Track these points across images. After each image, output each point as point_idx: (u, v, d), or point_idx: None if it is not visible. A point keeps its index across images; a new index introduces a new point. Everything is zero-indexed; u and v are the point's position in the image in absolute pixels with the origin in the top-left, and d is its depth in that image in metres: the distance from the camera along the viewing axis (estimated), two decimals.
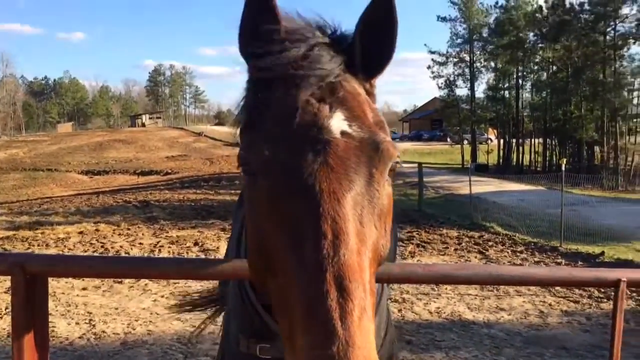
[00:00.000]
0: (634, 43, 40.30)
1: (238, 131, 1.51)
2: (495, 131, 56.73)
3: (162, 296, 9.10)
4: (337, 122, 1.38)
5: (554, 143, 48.85)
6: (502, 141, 52.40)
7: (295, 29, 1.51)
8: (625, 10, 39.96)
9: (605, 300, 9.18)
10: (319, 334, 1.09)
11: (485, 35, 51.65)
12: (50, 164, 48.25)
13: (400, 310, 8.31)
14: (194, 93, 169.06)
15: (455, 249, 13.33)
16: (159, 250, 12.77)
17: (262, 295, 1.85)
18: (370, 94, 1.53)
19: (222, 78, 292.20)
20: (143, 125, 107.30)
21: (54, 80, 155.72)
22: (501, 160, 50.92)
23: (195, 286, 9.42)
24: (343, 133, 1.36)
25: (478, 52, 53.03)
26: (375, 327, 1.97)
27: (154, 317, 8.08)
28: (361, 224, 1.28)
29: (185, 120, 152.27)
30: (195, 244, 13.44)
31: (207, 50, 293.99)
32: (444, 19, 53.03)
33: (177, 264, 2.05)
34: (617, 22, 40.39)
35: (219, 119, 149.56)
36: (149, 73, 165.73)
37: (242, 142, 1.43)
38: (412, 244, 13.71)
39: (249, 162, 1.38)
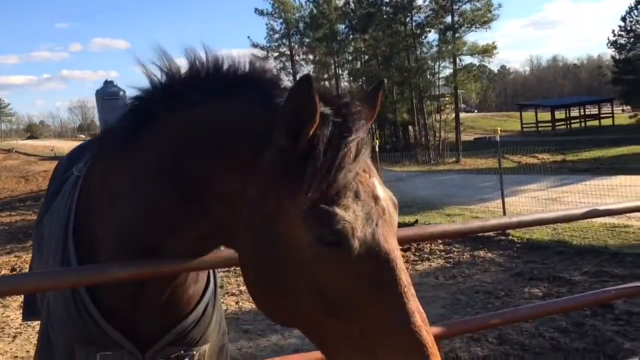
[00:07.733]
0: (429, 31, 44.97)
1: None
2: None
3: None
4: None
5: (374, 127, 52.62)
6: None
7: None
8: (419, 1, 44.49)
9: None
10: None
11: (301, 28, 53.66)
12: None
13: (237, 302, 8.47)
14: None
15: None
16: None
17: (99, 302, 1.78)
18: None
19: (29, 87, 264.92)
20: None
21: None
22: None
23: None
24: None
25: (296, 46, 54.92)
26: (215, 322, 2.05)
27: None
28: None
29: None
30: (12, 269, 12.23)
31: (7, 59, 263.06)
32: (261, 13, 53.86)
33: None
34: (414, 13, 44.74)
35: (31, 132, 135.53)
36: None
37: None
38: None
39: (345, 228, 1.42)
